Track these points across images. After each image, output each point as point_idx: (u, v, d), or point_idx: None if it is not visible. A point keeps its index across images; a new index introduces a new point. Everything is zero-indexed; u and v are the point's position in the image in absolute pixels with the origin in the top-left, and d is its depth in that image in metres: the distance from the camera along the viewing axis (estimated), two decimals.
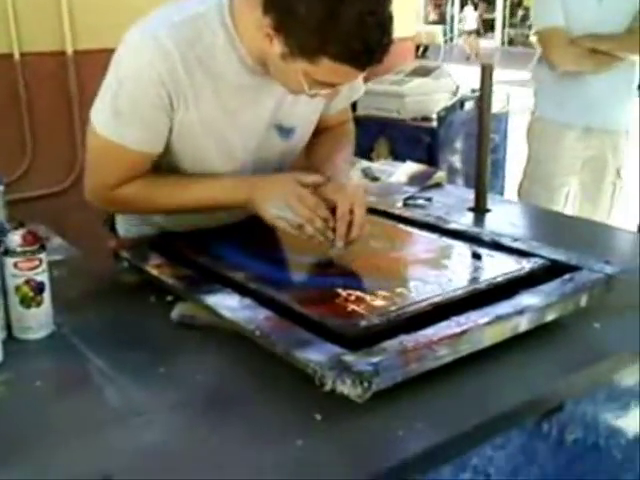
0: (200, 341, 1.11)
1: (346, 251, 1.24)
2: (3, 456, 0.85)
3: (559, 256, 1.26)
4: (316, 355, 0.91)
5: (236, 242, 1.30)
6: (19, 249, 1.08)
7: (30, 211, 2.26)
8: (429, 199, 1.91)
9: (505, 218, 1.80)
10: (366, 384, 0.87)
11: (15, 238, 1.08)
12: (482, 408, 0.95)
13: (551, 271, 1.21)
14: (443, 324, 0.99)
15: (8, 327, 1.10)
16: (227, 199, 1.31)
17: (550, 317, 1.09)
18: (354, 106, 1.82)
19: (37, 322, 1.11)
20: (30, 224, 1.66)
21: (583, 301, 1.14)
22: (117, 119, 1.24)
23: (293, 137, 1.41)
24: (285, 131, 1.39)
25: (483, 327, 1.00)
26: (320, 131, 1.51)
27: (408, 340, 0.95)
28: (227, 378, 1.02)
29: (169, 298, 1.21)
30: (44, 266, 1.11)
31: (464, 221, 1.77)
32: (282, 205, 1.24)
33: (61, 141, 2.47)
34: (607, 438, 1.15)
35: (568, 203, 2.48)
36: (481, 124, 1.83)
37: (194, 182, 1.33)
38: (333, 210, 1.24)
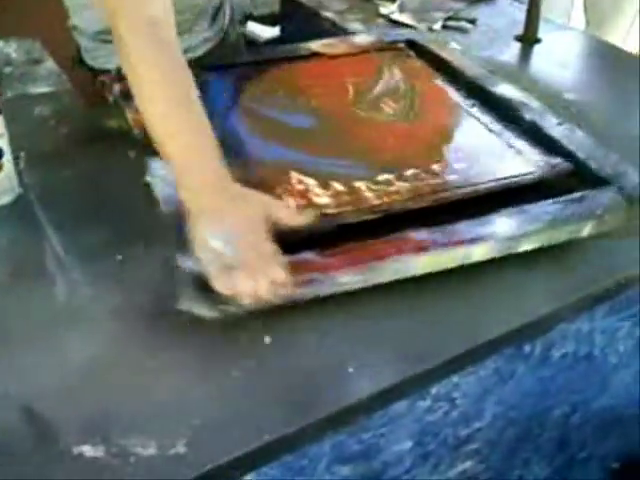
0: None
1: None
2: None
3: (593, 160, 1.01)
4: None
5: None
6: None
7: None
8: (473, 21, 1.68)
9: (555, 54, 1.57)
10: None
11: None
12: (454, 338, 0.85)
13: (574, 175, 1.01)
14: (359, 244, 0.86)
15: None
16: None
17: (524, 247, 0.91)
18: None
19: None
20: (23, 40, 1.54)
21: (585, 231, 0.93)
22: None
23: None
24: None
25: (417, 255, 0.86)
26: None
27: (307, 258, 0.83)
28: None
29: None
30: (2, 130, 1.03)
31: (507, 55, 1.56)
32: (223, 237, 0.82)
33: None
34: (603, 348, 1.06)
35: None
36: None
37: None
38: None
